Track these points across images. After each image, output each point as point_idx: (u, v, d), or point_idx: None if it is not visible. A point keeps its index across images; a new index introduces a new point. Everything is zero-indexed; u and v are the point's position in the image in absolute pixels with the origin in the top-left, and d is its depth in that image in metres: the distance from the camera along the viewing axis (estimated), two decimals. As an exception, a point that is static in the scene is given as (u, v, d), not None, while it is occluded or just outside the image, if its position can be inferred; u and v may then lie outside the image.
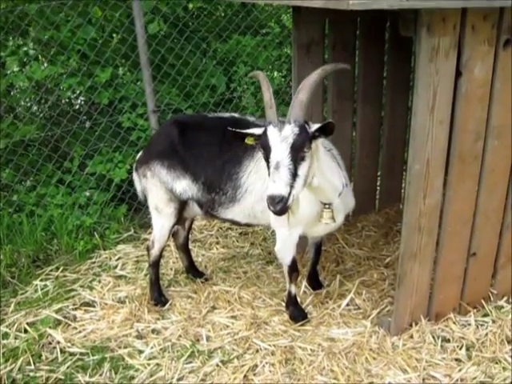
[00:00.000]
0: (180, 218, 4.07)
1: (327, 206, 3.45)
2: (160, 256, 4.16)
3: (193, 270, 4.49)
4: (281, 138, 2.84)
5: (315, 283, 4.24)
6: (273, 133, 2.87)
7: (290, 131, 2.85)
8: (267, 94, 3.04)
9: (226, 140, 3.64)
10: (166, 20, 5.25)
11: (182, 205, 3.92)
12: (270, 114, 2.96)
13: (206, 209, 3.85)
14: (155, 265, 4.15)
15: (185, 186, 3.80)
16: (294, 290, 3.87)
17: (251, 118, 3.80)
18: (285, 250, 3.73)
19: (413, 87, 3.19)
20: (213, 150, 3.71)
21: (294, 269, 3.79)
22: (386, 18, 4.71)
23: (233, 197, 3.67)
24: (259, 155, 3.53)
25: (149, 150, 3.97)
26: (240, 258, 4.81)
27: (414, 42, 3.11)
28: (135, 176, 4.07)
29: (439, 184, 3.38)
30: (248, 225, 3.98)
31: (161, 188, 3.86)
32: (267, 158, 2.89)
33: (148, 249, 4.14)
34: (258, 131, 3.02)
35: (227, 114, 3.91)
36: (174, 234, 4.39)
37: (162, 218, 3.98)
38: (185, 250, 4.46)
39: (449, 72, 3.10)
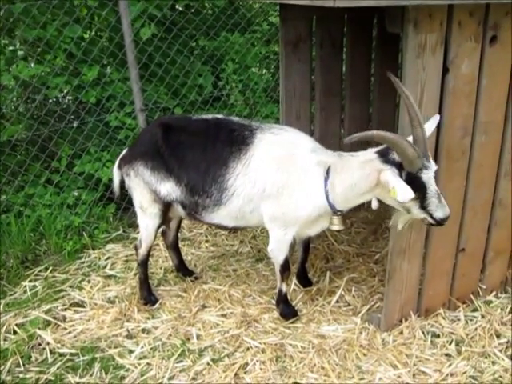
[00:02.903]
0: (165, 219, 4.06)
1: (339, 213, 3.51)
2: (148, 255, 4.14)
3: (183, 269, 4.48)
4: (432, 174, 3.07)
5: (305, 280, 4.25)
6: (429, 174, 3.05)
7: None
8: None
9: (210, 142, 3.64)
10: (152, 19, 5.22)
11: (166, 206, 3.89)
12: (418, 162, 3.01)
13: (190, 211, 3.83)
14: (144, 264, 4.13)
15: (169, 188, 3.77)
16: (284, 288, 3.88)
17: (235, 119, 3.80)
18: (278, 250, 3.73)
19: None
20: (196, 152, 3.68)
21: (286, 268, 3.80)
22: (373, 15, 4.72)
23: (218, 200, 3.63)
24: (246, 157, 3.53)
25: (133, 150, 3.93)
26: (229, 256, 4.81)
27: (400, 38, 3.12)
28: (116, 171, 4.03)
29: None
30: (235, 228, 3.95)
31: (144, 188, 3.83)
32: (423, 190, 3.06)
33: (136, 248, 4.13)
34: (409, 190, 2.98)
35: (211, 116, 3.87)
36: (163, 233, 4.38)
37: (146, 218, 3.95)
38: (174, 248, 4.45)
39: (436, 68, 3.11)
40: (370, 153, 3.26)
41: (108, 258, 4.83)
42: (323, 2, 2.72)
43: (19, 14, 4.78)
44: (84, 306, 4.15)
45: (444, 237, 3.67)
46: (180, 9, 5.76)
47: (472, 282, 3.97)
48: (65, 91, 5.53)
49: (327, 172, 3.40)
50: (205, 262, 4.74)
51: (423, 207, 3.10)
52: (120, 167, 3.97)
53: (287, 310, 3.89)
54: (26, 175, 5.08)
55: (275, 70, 6.68)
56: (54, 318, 4.01)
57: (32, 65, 5.16)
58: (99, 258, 4.82)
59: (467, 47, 3.16)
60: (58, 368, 3.53)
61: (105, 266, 4.70)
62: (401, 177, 3.04)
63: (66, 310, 4.11)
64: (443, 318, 3.81)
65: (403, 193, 2.94)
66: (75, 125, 5.41)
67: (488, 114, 3.42)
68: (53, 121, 5.11)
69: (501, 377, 3.32)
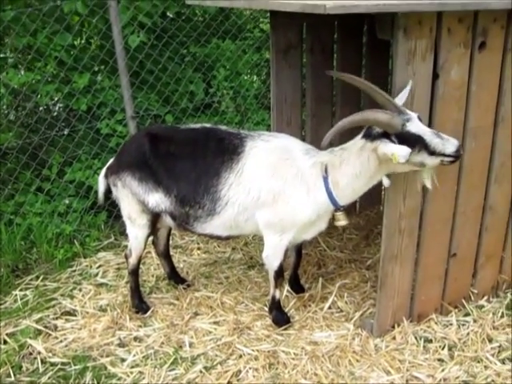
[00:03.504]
0: (154, 229, 4.05)
1: (342, 209, 3.53)
2: (138, 264, 4.13)
3: (175, 277, 4.47)
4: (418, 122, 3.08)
5: (297, 287, 4.24)
6: (414, 123, 3.04)
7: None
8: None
9: (200, 152, 3.64)
10: (143, 26, 5.22)
11: (155, 216, 3.87)
12: (396, 121, 3.03)
13: (180, 222, 3.80)
14: (134, 273, 4.12)
15: (157, 199, 3.74)
16: (278, 294, 3.87)
17: (223, 127, 3.81)
18: (273, 257, 3.72)
19: (391, 90, 3.21)
20: (186, 162, 3.65)
21: (279, 274, 3.80)
22: (363, 22, 4.74)
23: (211, 210, 3.61)
24: (239, 166, 3.53)
25: (120, 160, 3.89)
26: (222, 263, 4.80)
27: (391, 44, 3.14)
28: (101, 180, 4.00)
29: (419, 186, 3.40)
30: (229, 238, 3.94)
31: (132, 199, 3.81)
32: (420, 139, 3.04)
33: (126, 257, 4.12)
34: (404, 147, 3.01)
35: (199, 125, 3.87)
36: (153, 242, 4.37)
37: (135, 228, 3.93)
38: (166, 256, 4.43)
39: (426, 74, 3.13)
40: (358, 140, 3.33)
41: (99, 266, 4.80)
42: (314, 9, 2.73)
43: (9, 22, 4.77)
44: (75, 315, 4.12)
45: (435, 242, 3.67)
46: (171, 16, 5.76)
47: (464, 287, 3.98)
48: (55, 99, 5.51)
49: (325, 171, 3.42)
50: (197, 269, 4.73)
51: (432, 153, 3.06)
52: (106, 177, 3.95)
53: (280, 317, 3.88)
54: (17, 183, 5.05)
55: (266, 76, 6.70)
56: (45, 327, 3.98)
57: (22, 72, 5.14)
58: (90, 267, 4.80)
59: (457, 53, 3.18)
60: (49, 377, 3.50)
61: (96, 274, 4.68)
62: (393, 142, 3.06)
63: (57, 318, 4.09)
64: (435, 323, 3.81)
65: (400, 152, 2.98)
66: (66, 132, 5.41)
67: (478, 120, 3.44)
68: (43, 128, 5.09)
69: (493, 381, 3.33)
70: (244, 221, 3.64)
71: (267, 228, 3.63)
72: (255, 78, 6.89)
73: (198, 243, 5.15)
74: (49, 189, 5.17)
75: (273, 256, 3.73)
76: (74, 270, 4.76)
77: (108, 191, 4.02)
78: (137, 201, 3.80)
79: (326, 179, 3.42)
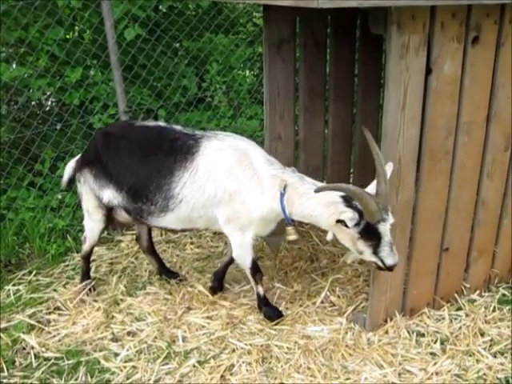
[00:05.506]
0: (109, 222, 4.11)
1: (292, 224, 3.59)
2: (91, 251, 4.30)
3: (165, 271, 4.47)
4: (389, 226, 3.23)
5: (218, 283, 4.26)
6: (386, 226, 3.20)
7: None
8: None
9: (151, 150, 3.69)
10: (135, 20, 5.20)
11: (109, 211, 3.97)
12: (378, 215, 3.14)
13: (135, 216, 3.88)
14: (86, 258, 4.30)
15: (109, 194, 3.83)
16: (261, 290, 3.88)
17: (177, 127, 3.82)
18: (243, 255, 3.77)
19: (384, 84, 3.21)
20: (136, 159, 3.73)
21: (256, 269, 3.82)
22: (356, 16, 4.74)
23: (164, 207, 3.66)
24: (193, 166, 3.56)
25: (83, 157, 4.03)
26: (215, 258, 4.80)
27: (384, 39, 3.14)
28: (68, 168, 4.11)
29: (411, 180, 3.42)
30: (184, 230, 4.00)
31: (90, 194, 3.94)
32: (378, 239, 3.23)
33: (81, 242, 4.26)
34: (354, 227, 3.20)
35: (153, 123, 3.94)
36: (137, 238, 4.42)
37: (91, 222, 4.07)
38: (151, 252, 4.45)
39: (419, 69, 3.13)
40: (336, 195, 3.31)
41: (92, 261, 4.77)
42: (307, 3, 2.73)
43: (0, 16, 4.73)
44: (68, 310, 4.11)
45: (428, 237, 3.69)
46: (164, 10, 5.74)
47: (456, 281, 3.99)
48: (48, 93, 5.49)
49: (284, 188, 3.44)
50: (190, 263, 4.73)
51: (375, 253, 3.28)
52: (75, 172, 4.05)
53: (271, 312, 3.89)
54: (9, 178, 5.03)
55: (259, 71, 6.69)
56: (39, 321, 3.97)
57: (14, 66, 5.11)
58: (83, 261, 4.78)
59: (450, 48, 3.18)
60: (42, 372, 3.50)
61: (89, 269, 4.67)
62: (359, 224, 3.17)
63: (50, 313, 4.08)
64: (428, 317, 3.83)
65: (350, 222, 3.16)
66: (58, 127, 5.38)
67: (470, 114, 3.44)
68: (36, 123, 5.07)
69: (485, 374, 3.35)
70: (198, 217, 3.69)
71: (227, 225, 3.66)
72: (248, 72, 6.88)
73: (191, 238, 5.14)
74: (41, 184, 5.15)
75: (242, 254, 3.77)
76: (67, 265, 4.75)
77: (72, 180, 4.15)
78: (94, 196, 3.93)
79: (282, 195, 3.45)
